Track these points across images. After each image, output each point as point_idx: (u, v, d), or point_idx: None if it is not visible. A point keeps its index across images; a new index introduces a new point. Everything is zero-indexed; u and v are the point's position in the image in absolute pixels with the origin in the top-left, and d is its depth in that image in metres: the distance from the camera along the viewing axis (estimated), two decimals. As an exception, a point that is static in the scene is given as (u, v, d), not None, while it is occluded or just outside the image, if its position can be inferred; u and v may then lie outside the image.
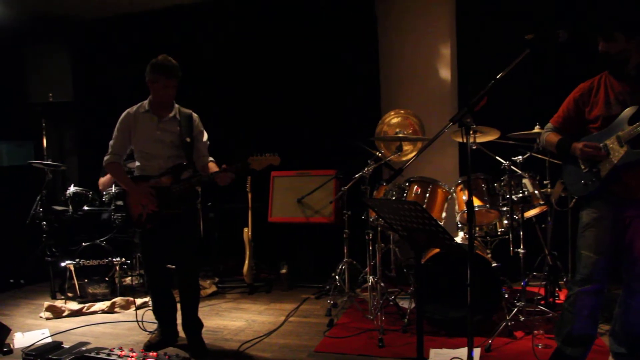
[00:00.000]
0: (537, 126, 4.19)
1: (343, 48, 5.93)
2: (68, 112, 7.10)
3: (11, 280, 5.90)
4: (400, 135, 4.65)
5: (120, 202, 5.30)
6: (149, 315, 4.26)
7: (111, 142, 3.81)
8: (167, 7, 6.57)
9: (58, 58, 6.67)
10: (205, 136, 3.90)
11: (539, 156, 4.34)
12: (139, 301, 4.97)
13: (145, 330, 4.20)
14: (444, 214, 4.34)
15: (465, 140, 2.61)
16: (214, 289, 5.49)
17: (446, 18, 5.76)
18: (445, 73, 5.81)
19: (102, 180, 5.78)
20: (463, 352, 3.43)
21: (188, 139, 3.76)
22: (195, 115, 3.89)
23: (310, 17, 6.05)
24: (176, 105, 3.85)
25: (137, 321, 4.31)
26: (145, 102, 3.80)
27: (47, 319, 4.69)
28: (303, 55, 6.10)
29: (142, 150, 3.78)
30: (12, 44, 6.79)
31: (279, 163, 3.66)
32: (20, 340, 4.02)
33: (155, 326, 4.06)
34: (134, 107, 3.83)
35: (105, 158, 3.79)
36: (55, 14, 6.74)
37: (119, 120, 3.81)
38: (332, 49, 5.97)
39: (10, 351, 3.82)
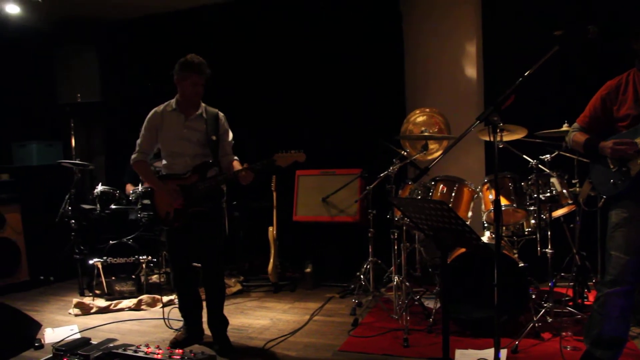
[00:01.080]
0: (566, 124, 4.12)
1: (368, 46, 5.91)
2: (96, 112, 7.21)
3: (41, 277, 6.04)
4: (426, 134, 4.61)
5: (146, 201, 5.36)
6: (174, 313, 4.30)
7: (138, 141, 3.85)
8: (192, 7, 6.62)
9: (86, 59, 6.78)
10: (231, 135, 3.93)
11: (567, 155, 4.26)
12: (165, 299, 5.03)
13: (171, 328, 4.24)
14: (470, 214, 4.29)
15: (492, 139, 2.57)
16: (239, 287, 5.52)
17: (472, 15, 5.71)
18: (471, 71, 5.75)
19: (130, 188, 5.86)
20: (489, 353, 3.40)
21: (214, 137, 3.79)
22: (221, 114, 3.91)
23: (335, 16, 6.03)
24: (202, 104, 3.88)
25: (163, 319, 4.35)
26: (173, 101, 3.84)
27: (76, 315, 4.77)
28: (327, 53, 6.08)
29: (169, 148, 3.82)
30: (42, 46, 6.94)
31: (304, 160, 3.67)
32: (51, 335, 4.11)
33: (181, 324, 4.10)
34: (161, 106, 3.87)
35: (133, 156, 3.83)
36: (83, 16, 6.85)
37: (146, 118, 3.86)
38: (357, 47, 5.94)
39: (42, 346, 3.89)
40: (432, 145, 4.90)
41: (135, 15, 6.95)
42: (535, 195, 3.95)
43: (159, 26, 6.91)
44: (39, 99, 6.96)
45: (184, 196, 3.70)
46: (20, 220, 5.95)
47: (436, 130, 4.84)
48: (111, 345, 3.63)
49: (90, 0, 6.36)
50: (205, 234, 3.80)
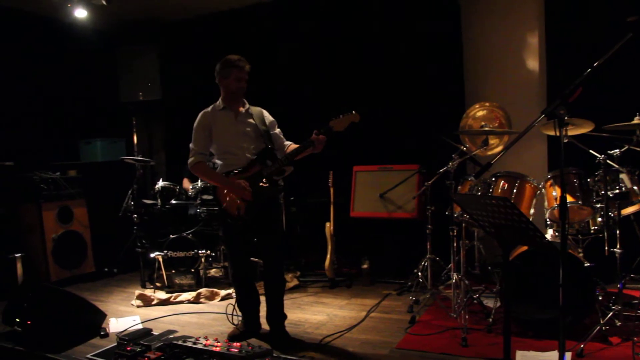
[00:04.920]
0: (637, 117, 3.91)
1: (426, 39, 5.81)
2: (156, 110, 7.41)
3: (106, 269, 6.25)
4: (486, 128, 4.50)
5: (206, 196, 5.46)
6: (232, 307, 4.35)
7: (192, 145, 3.87)
8: (248, 5, 6.69)
9: (147, 59, 6.96)
10: (278, 128, 4.02)
11: (639, 149, 4.06)
12: (222, 293, 5.12)
13: (233, 324, 4.27)
14: (532, 210, 4.16)
15: (557, 133, 2.47)
16: (295, 282, 5.55)
17: (534, 4, 5.50)
18: (533, 63, 5.56)
19: (187, 182, 5.99)
20: (552, 355, 3.29)
21: (264, 127, 3.89)
22: (263, 109, 4.02)
23: (392, 9, 5.96)
24: (246, 102, 3.98)
25: (226, 314, 4.38)
26: (218, 102, 3.93)
27: (138, 306, 4.91)
28: (384, 48, 6.02)
29: (226, 146, 3.87)
30: (105, 47, 7.20)
31: (359, 120, 3.73)
32: (115, 325, 4.25)
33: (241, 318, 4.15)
34: (209, 107, 3.94)
35: (190, 160, 3.84)
36: (144, 18, 7.05)
37: (197, 121, 3.90)
38: (414, 40, 5.86)
39: (107, 335, 4.04)
40: (493, 141, 4.77)
41: (193, 15, 7.08)
42: (603, 192, 3.78)
43: (216, 25, 7.03)
44: (103, 98, 7.22)
45: (253, 187, 3.73)
46: (86, 214, 6.18)
47: (496, 125, 4.72)
48: (171, 336, 3.73)
49: (151, 1, 6.53)
50: (266, 230, 3.85)
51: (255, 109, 3.98)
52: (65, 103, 6.91)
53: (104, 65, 7.17)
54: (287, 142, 3.97)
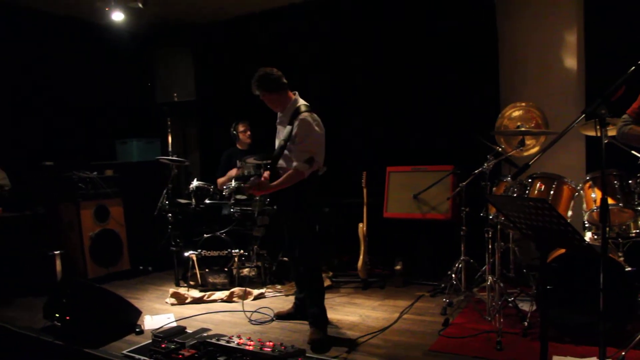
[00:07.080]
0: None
1: (459, 38, 5.73)
2: (191, 111, 7.50)
3: (141, 267, 6.36)
4: (522, 129, 4.42)
5: (240, 196, 5.51)
6: (268, 306, 4.39)
7: None
8: (280, 6, 6.71)
9: (182, 60, 7.06)
10: (305, 143, 3.76)
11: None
12: (255, 292, 5.14)
13: (254, 322, 4.33)
14: (569, 213, 4.06)
15: (598, 134, 2.41)
16: (328, 283, 5.53)
17: (573, 1, 5.38)
18: (571, 62, 5.43)
19: (221, 180, 6.06)
20: (591, 361, 3.21)
21: (282, 142, 3.85)
22: (302, 117, 3.79)
23: (425, 7, 5.91)
24: (294, 106, 3.91)
25: (244, 311, 4.47)
26: None
27: (172, 304, 4.97)
28: (417, 47, 5.97)
29: None
30: (141, 49, 7.34)
31: None
32: (149, 322, 4.32)
33: (265, 318, 4.30)
34: None
35: None
36: (178, 20, 7.14)
37: None
38: (448, 39, 5.78)
39: (142, 332, 4.10)
40: (529, 141, 4.68)
41: (226, 16, 7.14)
42: (646, 194, 3.68)
43: (249, 26, 7.06)
44: (139, 99, 7.34)
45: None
46: (122, 213, 6.29)
47: (533, 125, 4.62)
48: (205, 334, 3.77)
49: (185, 4, 6.60)
50: (289, 229, 4.06)
51: (299, 117, 3.79)
52: (103, 104, 7.06)
53: (140, 67, 7.31)
54: (293, 167, 3.78)
